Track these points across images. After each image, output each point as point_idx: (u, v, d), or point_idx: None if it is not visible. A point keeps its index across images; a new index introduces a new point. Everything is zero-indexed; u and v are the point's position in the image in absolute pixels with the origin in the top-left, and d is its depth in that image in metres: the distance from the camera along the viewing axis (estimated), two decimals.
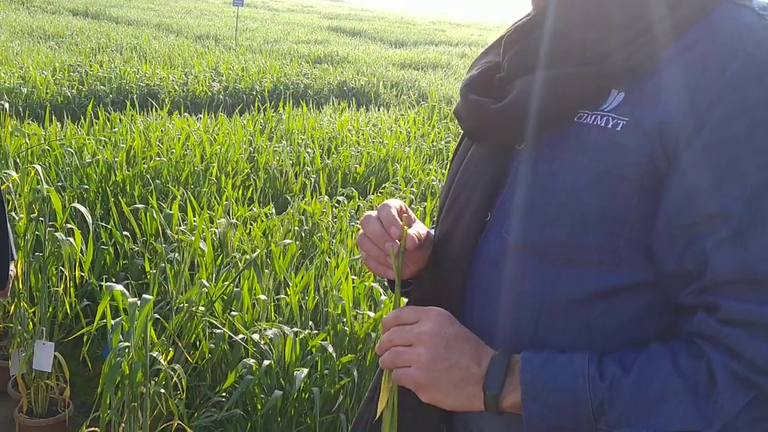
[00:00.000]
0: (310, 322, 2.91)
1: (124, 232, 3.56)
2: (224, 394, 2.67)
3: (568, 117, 0.85)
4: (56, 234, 2.96)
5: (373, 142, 5.81)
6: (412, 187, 4.82)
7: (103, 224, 3.61)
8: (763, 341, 0.75)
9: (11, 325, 3.22)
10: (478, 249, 0.92)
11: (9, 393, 3.24)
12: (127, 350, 2.27)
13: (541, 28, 0.88)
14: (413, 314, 0.89)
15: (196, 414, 2.60)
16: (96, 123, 5.13)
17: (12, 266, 2.38)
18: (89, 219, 3.04)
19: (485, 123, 0.93)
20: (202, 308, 2.64)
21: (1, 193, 2.25)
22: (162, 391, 2.38)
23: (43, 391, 3.08)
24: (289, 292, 2.99)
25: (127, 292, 2.28)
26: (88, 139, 4.33)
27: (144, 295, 2.25)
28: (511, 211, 0.89)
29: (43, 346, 2.98)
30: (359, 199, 4.48)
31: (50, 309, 3.10)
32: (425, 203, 4.48)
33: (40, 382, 3.05)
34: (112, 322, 2.29)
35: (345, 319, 2.74)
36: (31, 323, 3.10)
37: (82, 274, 3.20)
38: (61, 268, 3.09)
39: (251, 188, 4.53)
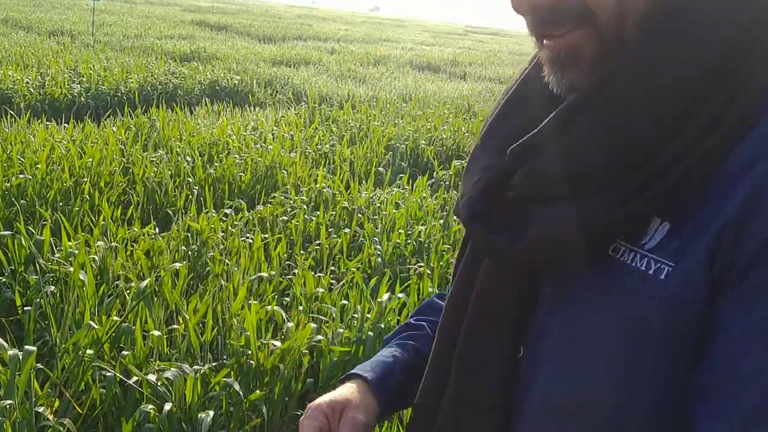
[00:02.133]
0: (209, 356, 2.71)
1: None
2: None
3: (603, 249, 0.71)
4: None
5: (256, 147, 5.58)
6: (302, 195, 4.67)
7: None
8: None
9: None
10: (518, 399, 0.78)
11: None
12: (8, 407, 2.01)
13: (558, 144, 0.71)
14: None
15: None
16: None
17: None
18: None
19: (502, 261, 0.78)
20: (90, 351, 2.39)
21: None
22: None
23: None
24: (183, 323, 2.78)
25: (5, 344, 2.01)
26: None
27: (26, 347, 2.00)
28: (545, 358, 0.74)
29: None
30: (248, 211, 4.28)
31: None
32: (317, 212, 4.35)
33: None
34: None
35: (250, 351, 2.57)
36: None
37: None
38: None
39: (130, 205, 4.22)
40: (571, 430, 0.71)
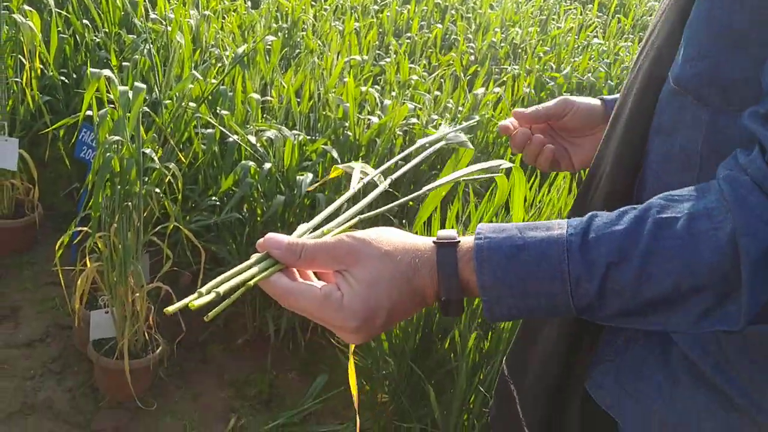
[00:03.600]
0: (303, 129, 2.70)
1: (84, 21, 3.16)
2: (214, 198, 2.50)
3: None
4: (14, 16, 2.58)
5: None
6: None
7: (58, 11, 3.19)
8: None
9: None
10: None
11: None
12: (117, 145, 2.04)
13: None
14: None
15: (188, 217, 2.44)
16: None
17: None
18: (52, 2, 2.65)
19: None
20: (192, 104, 2.39)
21: None
22: (156, 190, 2.19)
23: (9, 191, 2.84)
24: (280, 93, 2.75)
25: (114, 78, 2.01)
26: None
27: (136, 84, 1.99)
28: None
29: (6, 142, 2.71)
30: None
31: (10, 103, 2.78)
32: (408, 5, 4.16)
33: (4, 182, 2.80)
34: (99, 112, 2.03)
35: (347, 123, 2.54)
36: None
37: (42, 67, 2.85)
38: (19, 57, 2.73)
39: None
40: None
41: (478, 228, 0.68)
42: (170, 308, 0.67)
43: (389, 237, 0.69)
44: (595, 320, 0.67)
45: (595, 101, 1.04)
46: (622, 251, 0.63)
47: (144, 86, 1.97)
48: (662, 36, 0.79)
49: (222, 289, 0.69)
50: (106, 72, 1.95)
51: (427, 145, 1.03)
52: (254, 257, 0.73)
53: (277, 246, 0.71)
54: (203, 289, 0.68)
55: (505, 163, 0.99)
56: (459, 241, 0.68)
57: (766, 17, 0.65)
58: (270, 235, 0.73)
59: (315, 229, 0.79)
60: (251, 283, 0.70)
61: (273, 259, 0.72)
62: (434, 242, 0.68)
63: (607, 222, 0.65)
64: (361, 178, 0.93)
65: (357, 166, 0.95)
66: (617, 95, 0.93)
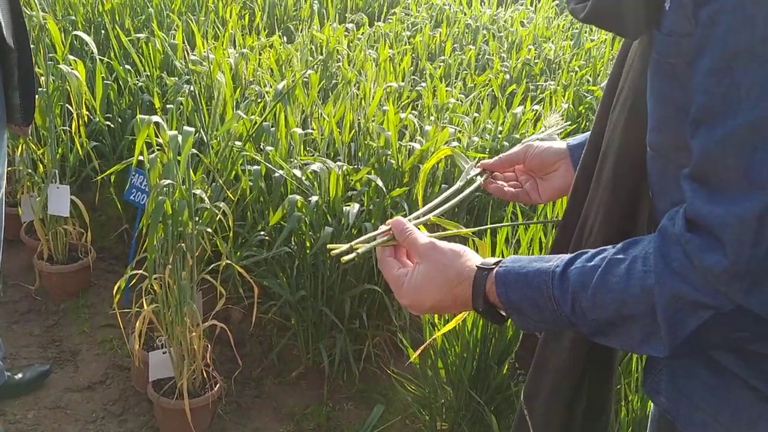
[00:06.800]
0: (347, 158, 2.72)
1: (126, 66, 3.25)
2: (263, 232, 2.52)
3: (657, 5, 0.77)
4: (60, 67, 2.66)
5: None
6: (422, 12, 4.48)
7: (101, 58, 3.28)
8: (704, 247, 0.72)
9: (18, 168, 2.98)
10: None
11: (23, 240, 3.06)
12: (169, 188, 2.08)
13: None
14: (399, 281, 0.95)
15: (238, 253, 2.47)
16: None
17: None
18: (95, 49, 2.73)
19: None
20: (238, 143, 2.43)
21: (22, 13, 1.95)
22: (208, 230, 2.22)
23: (62, 236, 2.90)
24: (322, 125, 2.78)
25: (164, 124, 2.05)
26: None
27: (185, 128, 2.03)
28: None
29: (58, 189, 2.78)
30: (370, 26, 4.16)
31: (60, 151, 2.86)
32: (439, 29, 4.18)
33: (57, 228, 2.87)
34: (150, 156, 2.08)
35: (390, 152, 2.56)
36: (40, 165, 2.86)
37: (87, 112, 2.93)
38: (67, 106, 2.81)
39: (251, 18, 4.17)
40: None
41: (503, 261, 0.88)
42: (334, 251, 1.01)
43: (455, 253, 0.92)
44: (583, 335, 0.84)
45: (559, 144, 1.18)
46: (583, 283, 0.80)
47: (192, 130, 2.01)
48: (630, 101, 0.88)
49: (361, 250, 0.99)
50: (156, 118, 2.00)
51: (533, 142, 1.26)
52: (383, 228, 1.01)
53: (397, 227, 0.98)
54: (345, 247, 0.99)
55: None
56: (493, 269, 0.88)
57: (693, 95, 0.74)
58: (398, 218, 1.00)
59: (426, 213, 1.09)
60: (374, 245, 0.99)
61: (393, 236, 0.99)
62: (476, 266, 0.90)
63: (583, 259, 0.82)
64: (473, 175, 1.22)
65: (469, 163, 1.24)
66: (583, 136, 1.11)
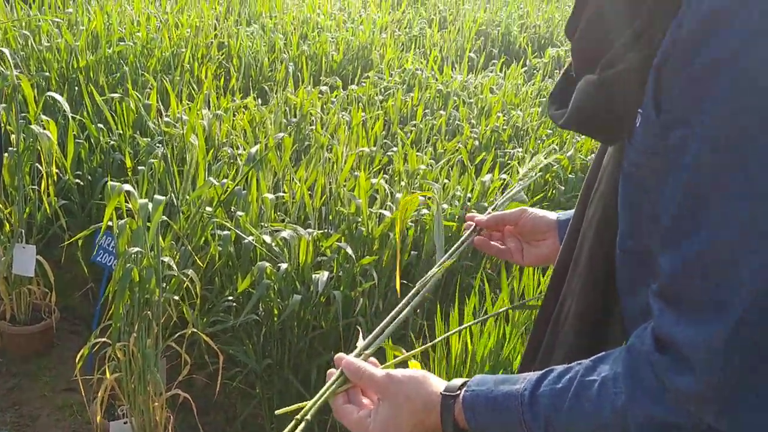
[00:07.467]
0: (317, 223, 2.74)
1: (98, 125, 3.25)
2: (231, 298, 2.51)
3: (630, 119, 0.78)
4: (32, 127, 2.66)
5: (347, 27, 5.47)
6: (395, 77, 4.57)
7: (73, 116, 3.29)
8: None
9: None
10: None
11: None
12: (137, 256, 2.08)
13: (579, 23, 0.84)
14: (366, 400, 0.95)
15: (205, 319, 2.45)
16: (46, 2, 4.62)
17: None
18: (68, 110, 2.74)
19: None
20: (209, 209, 2.43)
21: None
22: (175, 297, 2.21)
23: (26, 296, 2.86)
24: (293, 188, 2.80)
25: (135, 192, 2.05)
26: (43, 20, 3.89)
27: (156, 196, 2.04)
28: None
29: (24, 249, 2.75)
30: (343, 90, 4.23)
31: (27, 210, 2.83)
32: (411, 94, 4.27)
33: (21, 288, 2.83)
34: (119, 223, 2.07)
35: (360, 219, 2.58)
36: (7, 224, 2.83)
37: (57, 171, 2.92)
38: (36, 165, 2.80)
39: (227, 78, 4.21)
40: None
41: (468, 384, 0.87)
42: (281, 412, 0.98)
43: (416, 381, 0.90)
44: None
45: (551, 215, 1.20)
46: (556, 406, 0.79)
47: (162, 199, 2.02)
48: (604, 201, 0.89)
49: (309, 415, 0.93)
50: (126, 186, 2.00)
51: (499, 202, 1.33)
52: (335, 374, 0.96)
53: (349, 368, 0.95)
54: (298, 418, 0.92)
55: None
56: (458, 394, 0.86)
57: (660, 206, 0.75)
58: (347, 359, 0.96)
59: (371, 343, 1.04)
60: (326, 398, 0.94)
61: (345, 377, 0.95)
62: (441, 393, 0.87)
63: (551, 379, 0.81)
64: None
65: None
66: (571, 212, 1.09)
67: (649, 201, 0.77)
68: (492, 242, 1.23)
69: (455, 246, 1.22)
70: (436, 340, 1.26)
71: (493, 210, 1.34)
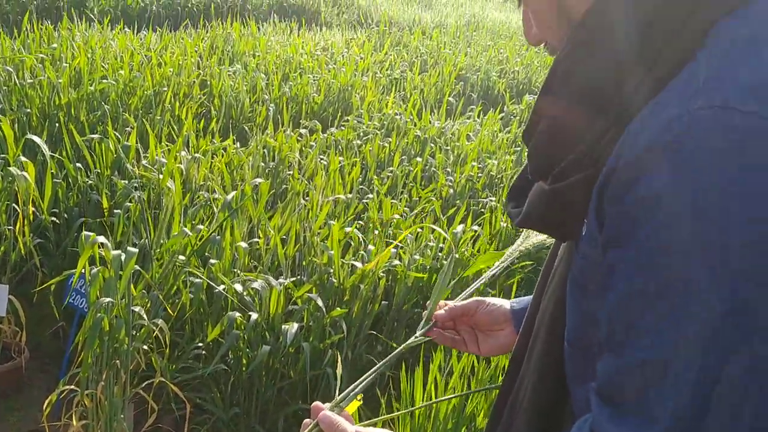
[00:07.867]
0: (289, 271, 2.78)
1: (77, 164, 3.28)
2: (200, 345, 2.54)
3: (579, 226, 0.83)
4: (10, 169, 2.69)
5: (328, 68, 5.56)
6: (374, 121, 4.65)
7: (52, 154, 3.32)
8: None
9: None
10: None
11: None
12: (108, 306, 2.10)
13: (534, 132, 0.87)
14: None
15: (174, 366, 2.47)
16: (31, 36, 4.66)
17: None
18: (47, 153, 2.78)
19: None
20: (182, 257, 2.47)
21: None
22: (144, 347, 2.23)
23: None
24: (267, 235, 2.85)
25: (108, 243, 2.09)
26: (26, 56, 3.93)
27: (129, 248, 2.07)
28: None
29: None
30: (323, 132, 4.30)
31: (1, 249, 2.85)
32: (389, 139, 4.34)
33: None
34: (92, 272, 2.10)
35: (332, 270, 2.63)
36: None
37: (34, 210, 2.94)
38: (12, 204, 2.82)
39: (208, 118, 4.27)
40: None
41: None
42: None
43: None
44: None
45: (506, 304, 1.22)
46: None
47: (136, 251, 2.05)
48: (556, 296, 0.93)
49: None
50: (100, 239, 2.04)
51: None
52: (310, 425, 1.00)
53: (324, 421, 0.97)
54: None
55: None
56: None
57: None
58: (323, 412, 0.99)
59: (345, 397, 1.08)
60: None
61: (319, 429, 0.98)
62: None
63: None
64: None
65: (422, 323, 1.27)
66: (526, 300, 1.15)
67: (590, 307, 0.81)
68: (446, 333, 1.26)
69: (412, 338, 1.25)
70: (401, 412, 1.30)
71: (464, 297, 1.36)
